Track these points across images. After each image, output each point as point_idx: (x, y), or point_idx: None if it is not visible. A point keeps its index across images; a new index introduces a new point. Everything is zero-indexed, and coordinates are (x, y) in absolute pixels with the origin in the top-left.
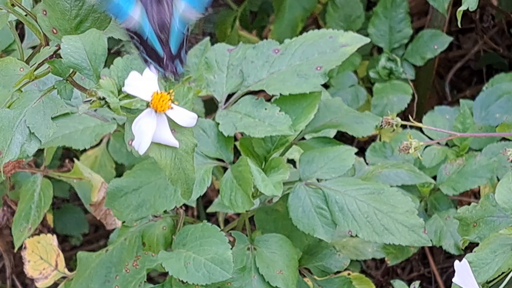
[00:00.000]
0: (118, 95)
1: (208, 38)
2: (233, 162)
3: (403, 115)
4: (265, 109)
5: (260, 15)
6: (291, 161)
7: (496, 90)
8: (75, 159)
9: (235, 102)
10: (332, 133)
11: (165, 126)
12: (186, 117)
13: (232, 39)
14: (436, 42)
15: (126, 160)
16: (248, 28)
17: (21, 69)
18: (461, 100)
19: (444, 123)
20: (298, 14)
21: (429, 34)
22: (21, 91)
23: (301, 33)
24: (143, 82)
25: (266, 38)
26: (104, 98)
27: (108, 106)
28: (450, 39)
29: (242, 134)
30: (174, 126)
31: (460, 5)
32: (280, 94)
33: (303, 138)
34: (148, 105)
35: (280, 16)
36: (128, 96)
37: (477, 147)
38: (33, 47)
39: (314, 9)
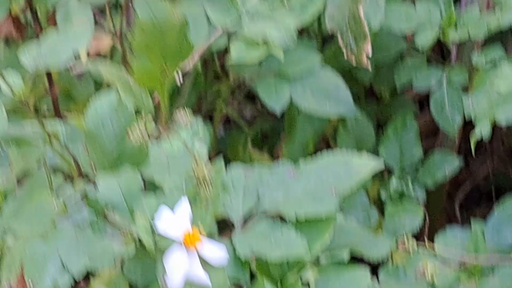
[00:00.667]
0: (152, 233)
1: (222, 159)
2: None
3: (414, 236)
4: (281, 232)
5: (271, 137)
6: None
7: (508, 213)
8: (91, 277)
9: (251, 224)
10: (346, 254)
11: (197, 263)
12: (216, 254)
13: (244, 159)
14: (447, 164)
15: (140, 279)
16: (260, 148)
17: (54, 203)
18: (472, 223)
19: (456, 245)
20: (309, 135)
21: (440, 156)
22: (55, 225)
23: (312, 154)
24: (174, 220)
25: (278, 159)
26: (139, 239)
27: (142, 245)
28: (461, 161)
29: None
30: (205, 265)
31: (470, 125)
32: (296, 217)
33: (318, 260)
34: (179, 242)
35: (291, 137)
36: (163, 237)
37: (490, 266)
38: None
39: (325, 130)
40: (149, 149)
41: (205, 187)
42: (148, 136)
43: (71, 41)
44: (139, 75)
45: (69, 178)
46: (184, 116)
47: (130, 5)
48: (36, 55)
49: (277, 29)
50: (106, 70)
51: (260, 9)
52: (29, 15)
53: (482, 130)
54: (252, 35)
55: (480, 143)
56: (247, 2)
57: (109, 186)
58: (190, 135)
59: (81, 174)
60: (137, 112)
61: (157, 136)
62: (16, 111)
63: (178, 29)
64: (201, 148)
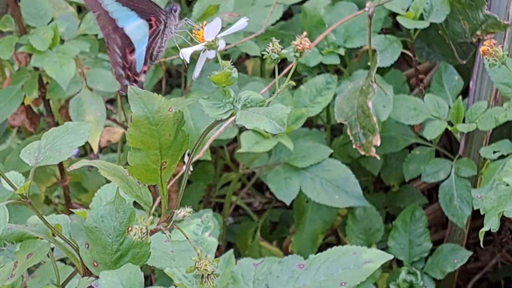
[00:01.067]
0: None
1: (232, 250)
2: None
3: None
4: None
5: (280, 226)
6: None
7: None
8: None
9: None
10: None
11: None
12: None
13: (253, 250)
14: (455, 257)
15: None
16: (269, 239)
17: None
18: None
19: None
20: (318, 226)
21: (449, 249)
22: None
23: (321, 247)
24: None
25: (287, 249)
26: None
27: None
28: (470, 253)
29: None
30: None
31: (478, 218)
32: None
33: None
34: None
35: (300, 228)
36: None
37: None
38: (62, 260)
39: (334, 222)
40: (150, 244)
41: (209, 282)
42: (147, 231)
43: (71, 137)
44: (136, 170)
45: (76, 270)
46: (183, 212)
47: None
48: (37, 150)
49: (269, 121)
50: (102, 165)
51: (253, 100)
52: (42, 105)
53: (490, 223)
54: (245, 126)
55: (488, 233)
56: (241, 94)
57: (110, 282)
58: (200, 228)
59: (86, 273)
60: (138, 206)
61: (159, 230)
62: (21, 203)
63: (172, 123)
64: (211, 241)
